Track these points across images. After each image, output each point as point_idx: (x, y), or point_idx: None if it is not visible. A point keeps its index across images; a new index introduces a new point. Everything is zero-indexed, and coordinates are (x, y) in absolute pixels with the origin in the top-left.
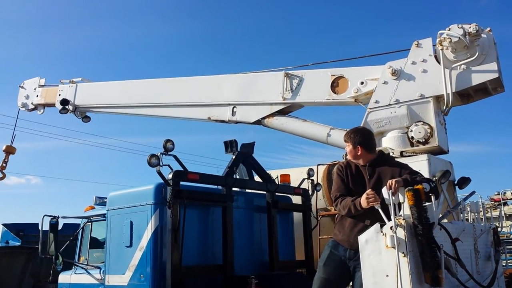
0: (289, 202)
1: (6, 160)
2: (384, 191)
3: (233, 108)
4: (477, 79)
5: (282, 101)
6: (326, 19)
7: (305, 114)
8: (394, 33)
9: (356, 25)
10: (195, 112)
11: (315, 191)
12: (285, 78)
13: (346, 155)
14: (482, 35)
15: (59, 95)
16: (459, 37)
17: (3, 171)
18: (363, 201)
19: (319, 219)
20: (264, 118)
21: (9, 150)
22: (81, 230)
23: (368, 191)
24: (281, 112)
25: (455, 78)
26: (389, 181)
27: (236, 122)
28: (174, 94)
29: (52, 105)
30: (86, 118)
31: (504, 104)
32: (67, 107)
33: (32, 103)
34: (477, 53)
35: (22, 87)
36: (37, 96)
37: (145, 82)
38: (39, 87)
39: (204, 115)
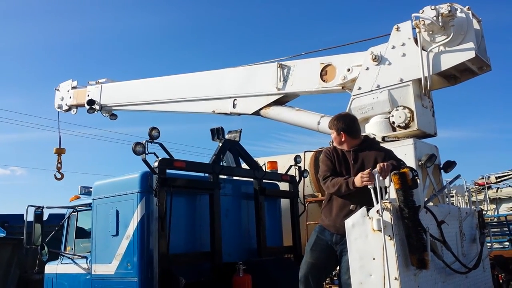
0: (277, 188)
1: (59, 161)
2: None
3: (234, 101)
4: (453, 59)
5: (277, 91)
6: (318, 6)
7: (301, 103)
8: (389, 16)
9: (349, 11)
10: (202, 106)
11: (302, 178)
12: (278, 69)
13: (332, 141)
14: (460, 14)
15: (88, 95)
16: (431, 20)
17: (60, 171)
18: (357, 179)
19: (306, 205)
20: (261, 109)
21: (60, 152)
22: (66, 220)
23: (365, 171)
24: (278, 102)
25: (432, 60)
26: (380, 164)
27: (239, 114)
28: (184, 89)
29: (83, 105)
30: (113, 116)
31: (492, 90)
32: (93, 106)
33: (66, 104)
34: (452, 34)
35: (58, 90)
36: (70, 97)
37: (157, 80)
38: (71, 89)
39: (209, 109)
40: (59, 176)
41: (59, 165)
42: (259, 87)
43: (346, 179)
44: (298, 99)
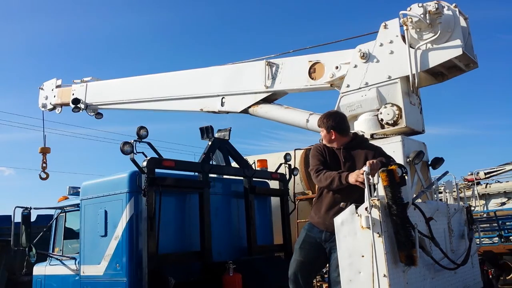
0: (267, 187)
1: (44, 160)
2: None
3: (222, 99)
4: (441, 57)
5: (265, 89)
6: (305, 3)
7: (289, 100)
8: (377, 14)
9: (336, 8)
10: (189, 105)
11: (292, 176)
12: (266, 66)
13: (322, 139)
14: (446, 11)
15: (73, 94)
16: (419, 17)
17: (45, 171)
18: (352, 177)
19: (296, 203)
20: (249, 107)
21: (45, 151)
22: (54, 221)
23: (362, 169)
24: (266, 100)
25: (420, 58)
26: (370, 161)
27: (227, 112)
28: (170, 88)
29: (68, 104)
30: (98, 115)
31: (480, 87)
32: (78, 105)
33: (50, 103)
34: (440, 31)
35: (42, 89)
36: (54, 96)
37: (143, 78)
38: (56, 87)
39: (197, 107)
40: (44, 175)
41: (44, 165)
42: (247, 85)
43: (340, 173)
44: (286, 97)
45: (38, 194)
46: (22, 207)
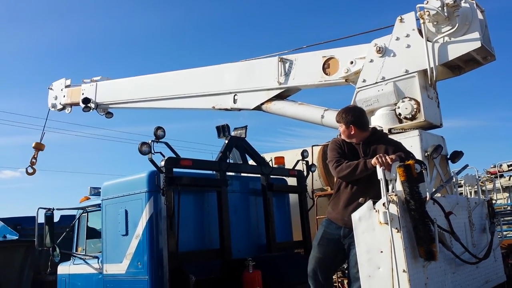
0: (285, 184)
1: (35, 156)
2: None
3: (234, 96)
4: (459, 50)
5: (278, 86)
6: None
7: (303, 96)
8: (390, 8)
9: (349, 3)
10: (201, 102)
11: (310, 172)
12: (279, 63)
13: (340, 135)
14: (464, 4)
15: (82, 94)
16: (436, 10)
17: (33, 166)
18: (372, 159)
19: (315, 199)
20: (263, 103)
21: (38, 147)
22: (77, 221)
23: (380, 154)
24: (279, 97)
25: (438, 51)
26: (389, 157)
27: (239, 110)
28: (181, 86)
29: (77, 104)
30: (108, 114)
31: (498, 78)
32: (89, 105)
33: (60, 103)
34: (457, 24)
35: (51, 89)
36: (64, 96)
37: (153, 77)
38: (65, 87)
39: (209, 105)
40: (30, 171)
41: (33, 160)
42: (260, 81)
43: (365, 158)
44: (300, 93)
45: (60, 194)
46: (45, 208)
